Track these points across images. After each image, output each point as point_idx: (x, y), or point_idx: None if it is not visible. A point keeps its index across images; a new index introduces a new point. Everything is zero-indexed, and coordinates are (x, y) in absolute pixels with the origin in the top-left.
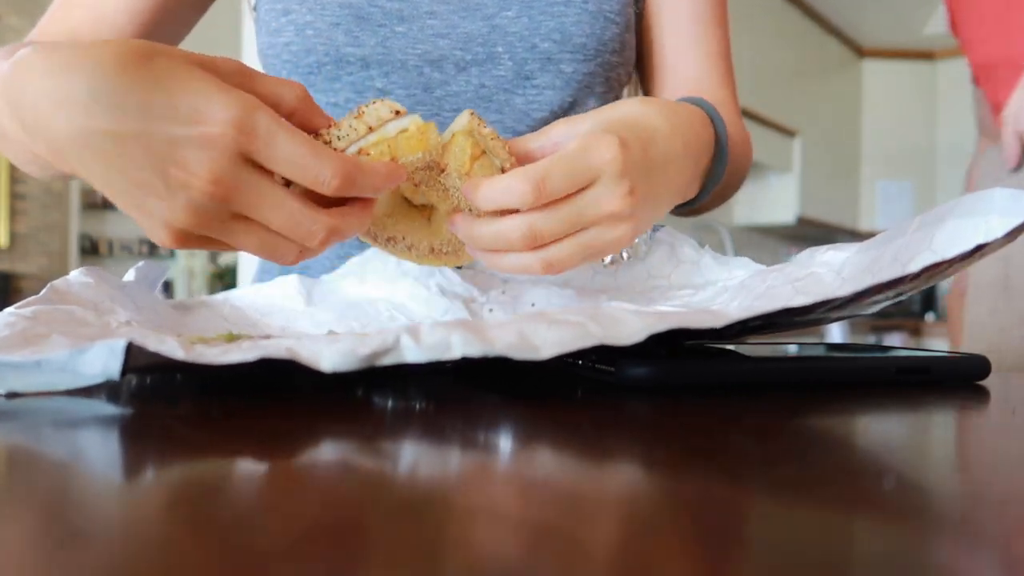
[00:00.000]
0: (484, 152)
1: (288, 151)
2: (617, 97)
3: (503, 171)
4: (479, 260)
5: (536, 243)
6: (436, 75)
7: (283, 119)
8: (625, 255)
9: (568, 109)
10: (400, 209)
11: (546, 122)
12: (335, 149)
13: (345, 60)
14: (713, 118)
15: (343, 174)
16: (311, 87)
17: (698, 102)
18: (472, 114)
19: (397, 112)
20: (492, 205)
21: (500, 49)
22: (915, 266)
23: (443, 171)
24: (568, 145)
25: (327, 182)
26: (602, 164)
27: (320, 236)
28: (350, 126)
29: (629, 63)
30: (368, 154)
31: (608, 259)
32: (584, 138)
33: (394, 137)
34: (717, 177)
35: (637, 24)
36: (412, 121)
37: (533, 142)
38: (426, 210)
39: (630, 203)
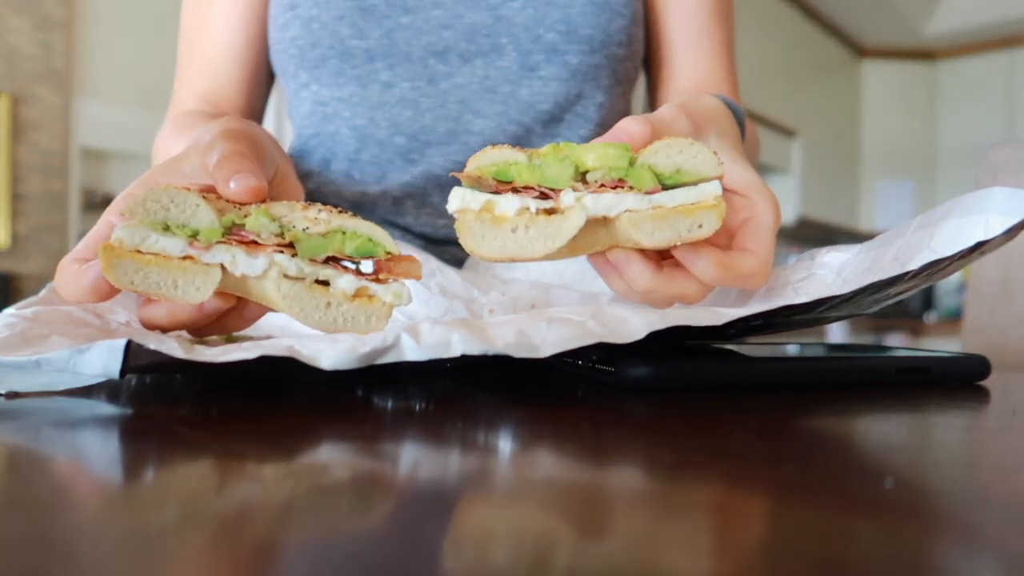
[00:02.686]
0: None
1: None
2: (625, 92)
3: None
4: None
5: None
6: (441, 67)
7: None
8: None
9: (574, 101)
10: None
11: (551, 114)
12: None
13: (350, 53)
14: (737, 115)
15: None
16: (316, 81)
17: (722, 100)
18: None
19: None
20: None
21: (505, 40)
22: (915, 264)
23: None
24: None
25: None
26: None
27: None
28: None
29: (637, 57)
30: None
31: None
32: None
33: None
34: None
35: (643, 18)
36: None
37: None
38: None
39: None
